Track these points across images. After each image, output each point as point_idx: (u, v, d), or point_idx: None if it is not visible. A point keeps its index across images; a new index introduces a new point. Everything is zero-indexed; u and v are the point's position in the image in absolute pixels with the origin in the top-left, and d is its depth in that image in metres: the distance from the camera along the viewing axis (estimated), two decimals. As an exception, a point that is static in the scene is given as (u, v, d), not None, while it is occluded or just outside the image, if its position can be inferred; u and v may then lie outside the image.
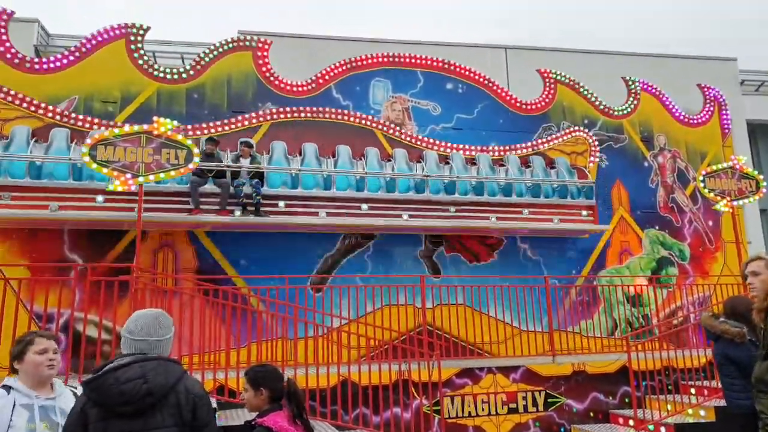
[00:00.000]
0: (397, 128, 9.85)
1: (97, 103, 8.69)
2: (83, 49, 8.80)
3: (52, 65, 8.67)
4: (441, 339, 7.93)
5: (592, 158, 10.52)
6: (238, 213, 8.20)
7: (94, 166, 6.83)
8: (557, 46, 13.23)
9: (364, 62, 10.07)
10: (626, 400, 7.76)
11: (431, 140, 9.99)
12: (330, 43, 11.50)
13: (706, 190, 9.10)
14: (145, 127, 7.04)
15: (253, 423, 3.05)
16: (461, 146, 10.03)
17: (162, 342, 2.57)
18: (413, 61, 10.33)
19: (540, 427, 7.46)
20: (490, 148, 10.17)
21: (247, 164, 8.44)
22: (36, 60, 8.73)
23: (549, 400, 7.57)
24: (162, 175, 6.97)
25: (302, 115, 9.40)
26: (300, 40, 11.01)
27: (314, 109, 9.49)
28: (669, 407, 7.07)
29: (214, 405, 5.81)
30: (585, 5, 38.23)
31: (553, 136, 10.51)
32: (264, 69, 9.54)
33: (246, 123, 9.12)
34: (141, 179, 6.87)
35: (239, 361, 6.57)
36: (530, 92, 10.98)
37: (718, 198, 9.08)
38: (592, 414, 7.72)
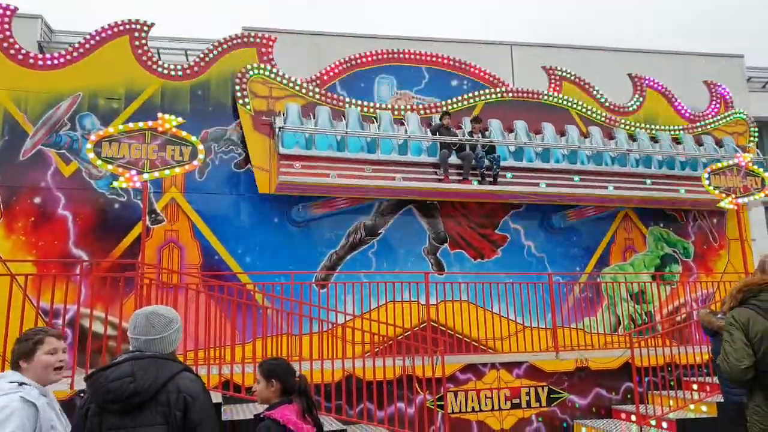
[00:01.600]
0: (589, 107, 10.72)
1: (102, 99, 8.72)
2: (87, 46, 8.82)
3: (55, 61, 8.68)
4: (445, 335, 7.96)
5: (752, 138, 11.32)
6: (476, 183, 9.09)
7: (99, 162, 6.87)
8: (563, 42, 13.20)
9: (369, 59, 10.06)
10: (629, 396, 7.79)
11: (616, 119, 10.82)
12: (334, 39, 11.53)
13: (711, 187, 9.08)
14: (150, 123, 7.06)
15: (262, 416, 3.07)
16: (647, 127, 10.87)
17: (155, 341, 2.56)
18: (418, 57, 10.31)
19: (543, 422, 7.50)
20: (673, 127, 11.03)
21: (481, 138, 9.30)
22: (40, 56, 8.75)
23: (552, 395, 7.60)
24: (167, 172, 6.99)
25: (509, 95, 10.38)
26: (304, 36, 11.04)
27: (516, 89, 10.47)
28: (671, 403, 7.10)
29: (219, 400, 5.85)
30: (588, 2, 38.09)
31: (719, 118, 11.30)
32: (269, 66, 9.53)
33: (465, 103, 10.07)
34: (145, 176, 6.90)
35: (245, 357, 6.61)
36: (536, 89, 10.96)
37: (723, 195, 9.07)
38: (594, 409, 7.75)
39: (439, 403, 6.97)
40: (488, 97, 10.23)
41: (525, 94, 10.43)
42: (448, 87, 10.35)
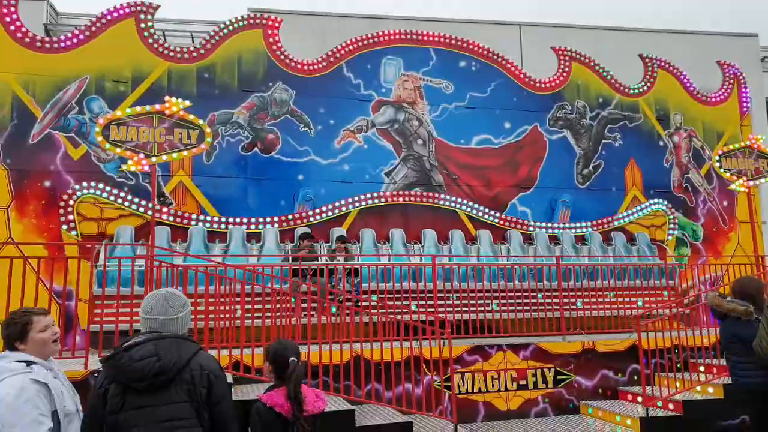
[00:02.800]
0: (480, 209, 9.76)
1: (108, 82, 8.72)
2: (93, 28, 8.80)
3: (62, 44, 8.68)
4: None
5: (670, 231, 10.50)
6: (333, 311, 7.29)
7: (107, 145, 6.88)
8: (571, 22, 13.01)
9: (376, 40, 9.98)
10: (635, 378, 7.81)
11: (513, 218, 9.92)
12: (341, 20, 11.42)
13: (722, 170, 9.00)
14: (157, 107, 7.06)
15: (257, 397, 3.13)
16: (542, 224, 9.98)
17: (173, 321, 2.61)
18: (426, 38, 10.21)
19: (549, 403, 7.55)
20: (573, 225, 10.09)
21: (341, 260, 8.04)
22: (46, 39, 8.74)
23: (558, 377, 7.63)
24: (175, 155, 7.00)
25: (386, 200, 9.39)
26: (310, 17, 10.94)
27: (398, 192, 9.51)
28: (678, 384, 7.11)
29: (230, 380, 5.93)
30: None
31: (634, 211, 10.41)
32: (275, 47, 9.49)
33: (336, 211, 9.15)
34: (154, 159, 6.91)
35: (254, 337, 6.68)
36: (545, 70, 10.86)
37: (734, 178, 8.98)
38: (600, 391, 7.78)
39: (446, 383, 7.03)
40: (364, 203, 9.28)
41: (405, 197, 9.44)
42: (456, 68, 10.26)
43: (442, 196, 9.68)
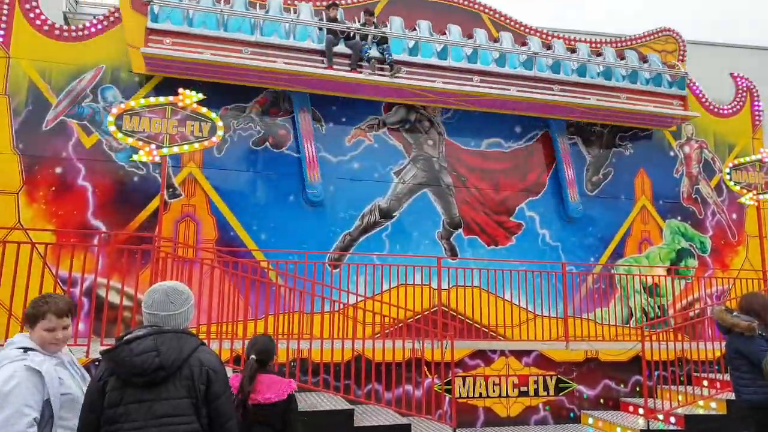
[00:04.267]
0: (503, 13, 10.47)
1: (124, 72, 8.75)
2: (111, 18, 8.84)
3: (80, 33, 8.73)
4: (455, 320, 7.98)
5: (680, 57, 11.08)
6: (367, 72, 8.80)
7: (120, 135, 6.92)
8: (585, 29, 12.95)
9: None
10: (637, 389, 7.78)
11: (533, 27, 10.59)
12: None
13: (732, 183, 8.94)
14: (171, 98, 7.09)
15: None
16: (561, 35, 10.71)
17: (174, 316, 2.61)
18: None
19: (550, 411, 7.53)
20: (588, 40, 10.85)
21: (372, 29, 9.02)
22: (65, 27, 8.80)
23: (560, 385, 7.62)
24: (186, 147, 7.02)
25: None
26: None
27: None
28: (680, 398, 7.08)
29: (230, 374, 5.94)
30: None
31: (645, 33, 11.11)
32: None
33: None
34: (165, 150, 6.94)
35: (256, 332, 6.69)
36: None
37: (744, 191, 8.92)
38: (602, 401, 7.76)
39: (446, 387, 7.03)
40: None
41: None
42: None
43: None
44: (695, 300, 10.16)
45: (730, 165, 9.04)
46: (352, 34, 8.86)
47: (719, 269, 10.52)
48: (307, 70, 8.53)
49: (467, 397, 7.26)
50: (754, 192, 8.90)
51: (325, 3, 9.26)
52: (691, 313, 9.42)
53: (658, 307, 9.97)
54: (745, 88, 11.54)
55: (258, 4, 9.12)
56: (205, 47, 8.26)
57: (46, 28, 8.56)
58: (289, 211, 8.96)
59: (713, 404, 6.87)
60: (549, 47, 10.15)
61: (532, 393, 7.50)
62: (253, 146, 9.05)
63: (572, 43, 10.51)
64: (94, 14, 9.66)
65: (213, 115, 7.17)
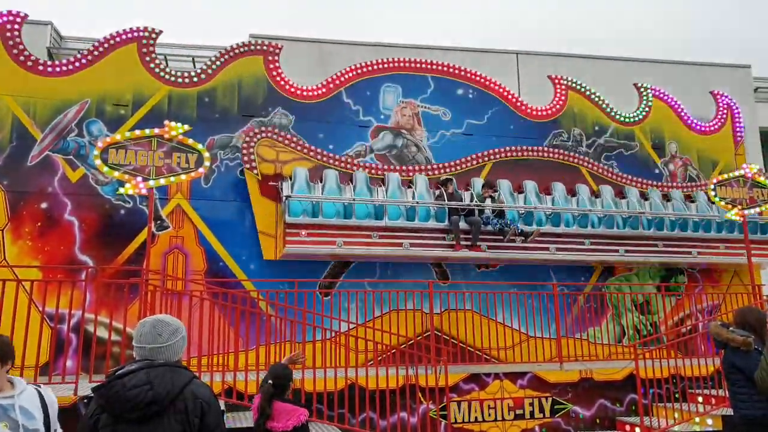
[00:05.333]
0: (602, 165, 10.64)
1: (109, 106, 8.78)
2: (95, 53, 8.90)
3: (64, 68, 8.77)
4: (448, 344, 7.94)
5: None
6: (485, 248, 8.89)
7: (105, 169, 6.90)
8: (568, 51, 13.21)
9: (375, 67, 10.10)
10: (633, 408, 7.73)
11: (629, 176, 10.69)
12: (340, 47, 11.58)
13: (717, 199, 9.05)
14: (156, 130, 7.09)
15: None
16: (654, 183, 10.80)
17: (163, 349, 2.56)
18: (424, 66, 10.34)
19: (546, 434, 7.44)
20: (681, 185, 10.95)
21: (490, 203, 9.17)
22: (49, 63, 8.83)
23: (556, 406, 7.56)
24: (173, 179, 7.01)
25: (522, 154, 10.23)
26: (310, 44, 11.08)
27: (531, 148, 10.30)
28: (676, 415, 7.04)
29: (222, 407, 5.85)
30: (593, 8, 38.10)
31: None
32: (275, 73, 9.60)
33: (475, 163, 9.99)
34: (152, 182, 6.92)
35: (248, 364, 6.61)
36: (541, 98, 10.98)
37: (729, 206, 9.03)
38: (598, 421, 7.69)
39: (442, 413, 6.94)
40: (498, 156, 10.12)
41: (534, 153, 10.30)
42: (454, 95, 10.38)
43: (567, 153, 10.50)
44: (687, 316, 10.18)
45: (715, 181, 9.17)
46: (471, 209, 8.92)
47: (709, 285, 10.57)
48: (431, 253, 8.80)
49: (463, 422, 7.17)
50: (739, 207, 9.01)
51: (437, 171, 9.63)
52: (683, 330, 9.44)
53: (650, 324, 9.98)
54: (725, 106, 11.77)
55: (375, 185, 9.30)
56: (336, 235, 8.42)
57: (29, 63, 8.59)
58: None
59: (709, 420, 6.84)
60: (646, 197, 10.43)
61: (527, 416, 7.42)
62: (240, 176, 9.06)
63: (666, 189, 10.70)
64: (79, 49, 9.71)
65: (199, 146, 7.17)
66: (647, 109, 11.33)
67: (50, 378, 6.12)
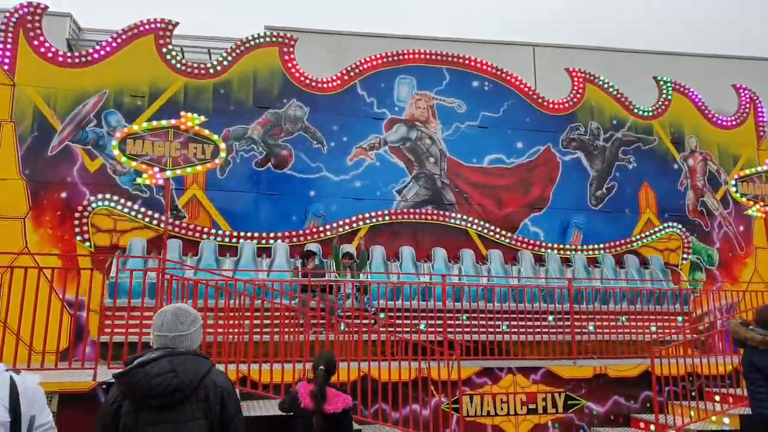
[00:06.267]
0: (492, 228, 9.69)
1: (127, 97, 8.86)
2: (113, 44, 8.98)
3: (83, 59, 8.86)
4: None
5: (684, 255, 10.35)
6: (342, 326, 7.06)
7: (123, 159, 6.98)
8: (586, 44, 13.04)
9: (390, 59, 10.07)
10: (648, 405, 7.66)
11: (525, 239, 9.82)
12: (355, 38, 11.55)
13: (738, 195, 8.90)
14: (173, 121, 7.15)
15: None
16: (554, 245, 9.84)
17: (183, 337, 2.60)
18: (439, 57, 10.28)
19: (559, 429, 7.41)
20: (585, 247, 9.94)
21: (348, 277, 8.03)
22: (68, 54, 8.93)
23: (569, 402, 7.51)
24: (189, 169, 7.08)
25: (398, 217, 9.38)
26: (325, 35, 11.06)
27: (410, 210, 9.49)
28: (692, 414, 6.96)
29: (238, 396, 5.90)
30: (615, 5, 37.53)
31: (648, 234, 10.24)
32: (290, 65, 9.61)
33: (347, 228, 9.13)
34: (168, 173, 6.99)
35: (262, 353, 6.66)
36: (558, 91, 10.86)
37: (751, 203, 8.87)
38: (612, 417, 7.63)
39: (454, 406, 6.94)
40: (374, 221, 9.22)
41: (418, 216, 9.40)
42: (469, 87, 10.30)
43: (453, 214, 9.65)
44: (704, 313, 10.04)
45: (736, 177, 9.01)
46: (329, 286, 7.64)
47: (728, 282, 10.41)
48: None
49: (475, 415, 7.16)
50: (761, 203, 8.85)
51: (298, 239, 8.73)
52: (701, 327, 9.31)
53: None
54: (748, 100, 11.54)
55: (224, 256, 8.52)
56: None
57: (50, 55, 8.69)
58: (292, 231, 8.96)
59: (726, 419, 6.74)
60: (542, 262, 9.57)
61: (540, 410, 7.39)
62: (255, 167, 9.10)
63: (568, 253, 9.86)
64: (97, 40, 9.80)
65: (215, 137, 7.22)
66: (667, 102, 11.15)
67: (70, 363, 6.22)
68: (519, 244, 9.81)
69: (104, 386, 5.58)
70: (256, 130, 9.18)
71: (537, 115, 10.46)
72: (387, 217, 9.36)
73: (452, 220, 9.60)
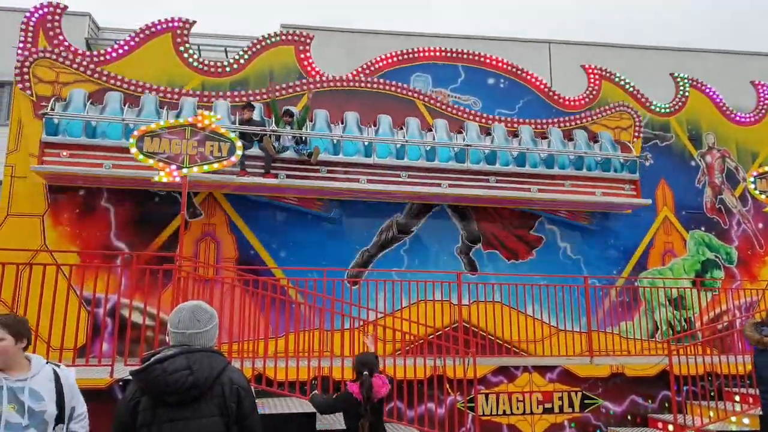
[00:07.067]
0: (438, 99, 9.82)
1: (145, 95, 8.91)
2: (131, 43, 9.05)
3: (102, 58, 8.94)
4: (477, 336, 7.89)
5: (636, 134, 10.30)
6: (282, 176, 8.42)
7: (141, 156, 7.03)
8: (602, 41, 12.92)
9: (405, 56, 10.05)
10: (666, 405, 7.59)
11: (472, 111, 9.92)
12: (370, 36, 11.53)
13: (757, 192, 8.77)
14: (190, 119, 7.19)
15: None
16: (503, 118, 9.93)
17: (201, 334, 2.62)
18: (454, 55, 10.24)
19: (576, 428, 7.37)
20: (532, 121, 10.00)
21: (289, 130, 8.63)
22: (87, 53, 9.01)
23: (585, 401, 7.46)
24: (205, 167, 7.12)
25: (343, 84, 9.51)
26: (341, 33, 11.06)
27: (357, 79, 9.58)
28: (711, 414, 6.88)
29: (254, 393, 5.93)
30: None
31: (598, 110, 10.31)
32: (305, 63, 9.62)
33: (290, 91, 9.28)
34: (185, 171, 7.03)
35: (277, 351, 6.69)
36: (575, 88, 10.76)
37: (769, 200, 8.75)
38: (629, 417, 7.57)
39: (469, 404, 6.92)
40: (318, 86, 9.34)
41: (364, 84, 9.54)
42: (485, 84, 10.25)
43: (401, 84, 9.67)
44: (723, 312, 9.92)
45: (755, 174, 8.88)
46: (267, 136, 8.34)
47: (747, 280, 10.27)
48: (215, 178, 8.01)
49: (491, 414, 7.14)
50: (777, 201, 8.71)
51: (241, 99, 8.93)
52: (720, 326, 9.20)
53: (685, 320, 9.76)
54: (767, 96, 11.37)
55: (170, 104, 8.73)
56: (109, 158, 7.98)
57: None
58: (307, 229, 8.99)
59: (746, 420, 6.67)
60: (488, 132, 9.64)
61: (557, 410, 7.35)
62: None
63: (515, 125, 9.85)
64: (115, 39, 9.88)
65: (231, 135, 7.25)
66: (684, 99, 11.01)
67: (87, 360, 6.31)
68: (464, 115, 9.81)
69: (120, 383, 5.63)
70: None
71: (553, 112, 10.38)
72: (333, 84, 9.45)
73: (400, 90, 9.66)
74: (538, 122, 10.03)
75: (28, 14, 8.77)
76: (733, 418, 6.74)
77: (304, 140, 8.65)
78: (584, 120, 10.21)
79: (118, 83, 8.68)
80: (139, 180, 7.95)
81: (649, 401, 7.63)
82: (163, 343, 2.69)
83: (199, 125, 7.14)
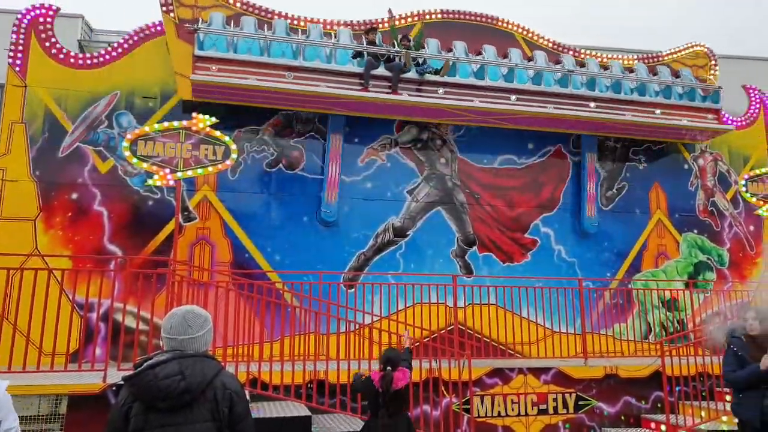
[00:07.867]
0: (536, 33, 10.66)
1: (138, 98, 8.89)
2: (125, 45, 9.00)
3: (95, 61, 8.89)
4: (472, 338, 7.92)
5: (712, 71, 11.11)
6: (406, 95, 8.87)
7: (134, 160, 7.02)
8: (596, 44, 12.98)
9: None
10: (659, 405, 7.64)
11: (566, 45, 10.76)
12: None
13: (748, 194, 8.86)
14: (185, 123, 7.18)
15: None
16: (595, 53, 10.91)
17: (193, 340, 2.61)
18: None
19: (570, 429, 7.41)
20: (619, 56, 10.99)
21: (412, 52, 9.17)
22: (80, 55, 8.97)
23: (580, 402, 7.51)
24: (200, 171, 7.11)
25: (451, 16, 10.32)
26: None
27: (461, 11, 10.41)
28: (702, 414, 6.94)
29: (248, 397, 5.92)
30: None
31: (676, 48, 11.23)
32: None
33: (403, 22, 9.99)
34: (179, 174, 7.02)
35: (272, 354, 6.68)
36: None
37: (761, 202, 8.84)
38: (623, 417, 7.62)
39: (465, 406, 6.94)
40: (428, 18, 10.10)
41: (468, 16, 10.32)
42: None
43: (502, 18, 10.60)
44: (715, 314, 9.99)
45: (746, 177, 8.98)
46: (391, 57, 9.00)
47: (738, 282, 10.37)
48: (347, 92, 8.60)
49: (486, 416, 7.16)
50: (771, 203, 8.81)
51: (363, 28, 9.55)
52: (711, 327, 9.27)
53: (677, 321, 9.83)
54: (758, 100, 11.48)
55: (300, 30, 9.52)
56: (250, 73, 8.30)
57: (61, 56, 8.72)
58: (303, 232, 8.98)
59: (737, 419, 6.71)
60: (583, 65, 10.23)
61: (551, 411, 7.39)
62: (266, 168, 9.11)
63: (606, 60, 10.64)
64: (109, 41, 9.84)
65: (226, 138, 7.24)
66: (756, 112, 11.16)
67: (80, 365, 6.26)
68: (558, 47, 10.71)
69: (114, 388, 5.61)
70: (267, 131, 9.18)
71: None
72: (440, 15, 10.29)
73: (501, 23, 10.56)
74: (626, 58, 10.93)
75: (20, 16, 8.71)
76: (724, 418, 6.80)
77: (424, 62, 9.20)
78: (665, 57, 11.19)
79: (251, 9, 9.39)
80: (282, 93, 8.42)
81: (642, 402, 7.69)
82: (157, 348, 2.69)
83: (194, 128, 7.14)
